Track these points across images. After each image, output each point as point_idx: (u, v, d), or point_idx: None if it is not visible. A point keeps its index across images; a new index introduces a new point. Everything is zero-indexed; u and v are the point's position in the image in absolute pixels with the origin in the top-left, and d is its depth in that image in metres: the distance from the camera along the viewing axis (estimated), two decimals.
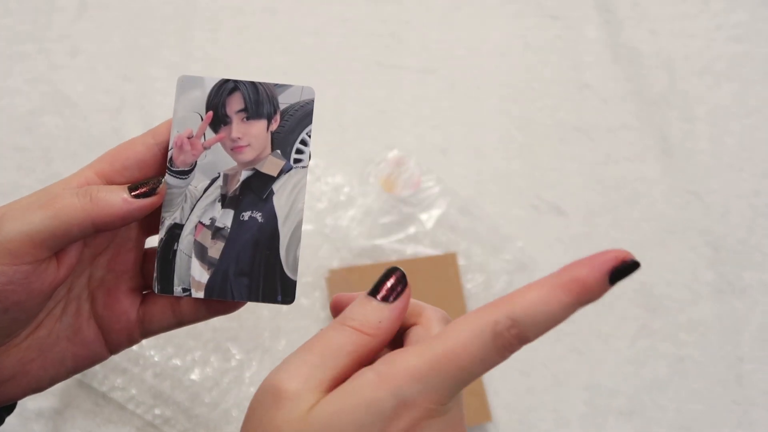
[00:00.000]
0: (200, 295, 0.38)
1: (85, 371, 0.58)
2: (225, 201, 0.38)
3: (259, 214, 0.38)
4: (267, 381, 0.30)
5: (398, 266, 0.33)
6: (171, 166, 0.37)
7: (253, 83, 0.38)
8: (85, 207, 0.34)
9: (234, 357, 0.60)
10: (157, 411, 0.58)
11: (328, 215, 0.66)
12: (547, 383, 0.64)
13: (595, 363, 0.65)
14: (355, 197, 0.67)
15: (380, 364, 0.29)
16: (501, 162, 0.72)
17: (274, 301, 0.38)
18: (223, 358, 0.60)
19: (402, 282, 0.33)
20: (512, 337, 0.28)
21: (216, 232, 0.38)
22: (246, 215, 0.38)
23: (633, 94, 0.75)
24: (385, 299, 0.32)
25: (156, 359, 0.59)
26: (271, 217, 0.38)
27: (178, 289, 0.38)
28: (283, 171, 0.38)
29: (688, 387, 0.65)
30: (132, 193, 0.35)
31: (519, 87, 0.75)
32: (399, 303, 0.32)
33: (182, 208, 0.38)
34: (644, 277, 0.68)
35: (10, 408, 0.39)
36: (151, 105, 0.71)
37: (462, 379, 0.29)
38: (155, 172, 0.37)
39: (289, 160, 0.38)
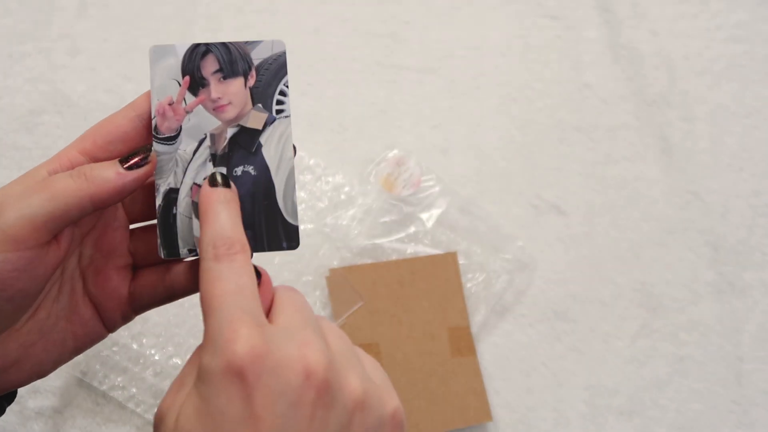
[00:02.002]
0: None
1: (86, 370, 0.58)
2: (216, 160, 0.38)
3: (251, 167, 0.38)
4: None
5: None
6: (157, 133, 0.37)
7: (224, 44, 0.39)
8: (81, 186, 0.34)
9: None
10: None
11: (329, 214, 0.66)
12: (547, 383, 0.64)
13: (596, 363, 0.65)
14: (356, 197, 0.67)
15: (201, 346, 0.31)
16: (501, 162, 0.72)
17: (279, 248, 0.38)
18: None
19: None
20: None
21: None
22: (239, 170, 0.38)
23: (633, 94, 0.75)
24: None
25: (156, 358, 0.59)
26: (264, 169, 0.39)
27: (184, 251, 0.38)
28: (268, 123, 0.39)
29: (688, 387, 0.65)
30: (124, 166, 0.35)
31: (519, 87, 0.75)
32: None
33: (175, 172, 0.38)
34: (644, 277, 0.68)
35: (10, 397, 0.39)
36: None
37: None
38: (139, 143, 0.38)
39: (271, 112, 0.39)
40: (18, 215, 0.32)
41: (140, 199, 0.40)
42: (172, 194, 0.38)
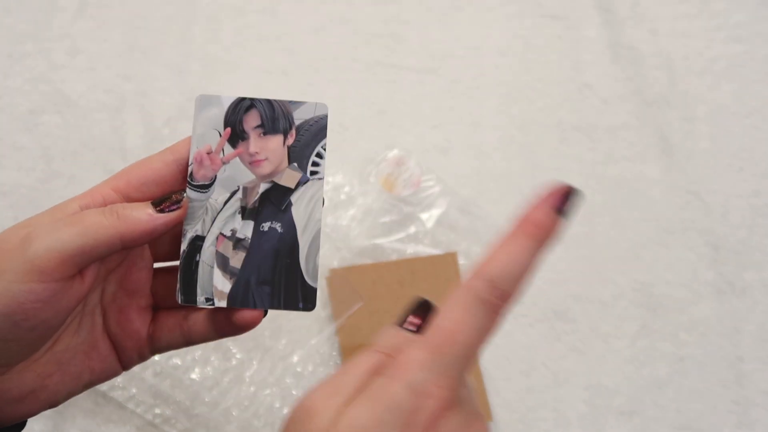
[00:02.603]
0: (223, 304, 0.38)
1: None
2: (245, 213, 0.39)
3: (279, 224, 0.39)
4: (299, 401, 0.31)
5: (426, 299, 0.35)
6: (192, 180, 0.38)
7: (268, 101, 0.40)
8: (113, 224, 0.34)
9: (234, 356, 0.60)
10: (157, 410, 0.58)
11: (329, 215, 0.66)
12: (547, 383, 0.64)
13: (596, 363, 0.65)
14: (356, 197, 0.67)
15: (387, 369, 0.31)
16: (501, 162, 0.72)
17: (295, 308, 0.39)
18: (224, 358, 0.60)
19: (426, 312, 0.34)
20: (496, 299, 0.31)
21: (237, 242, 0.39)
22: (266, 226, 0.39)
23: (633, 94, 0.75)
24: (408, 329, 0.34)
25: (156, 358, 0.59)
26: (291, 227, 0.39)
27: (201, 299, 0.38)
28: (300, 183, 0.40)
29: (688, 387, 0.65)
30: (156, 208, 0.36)
31: (519, 87, 0.75)
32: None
33: (203, 220, 0.39)
34: (644, 277, 0.68)
35: (20, 426, 0.39)
36: (151, 105, 0.71)
37: (464, 354, 0.30)
38: (172, 187, 0.38)
39: (305, 172, 0.40)
40: (47, 247, 0.33)
41: (167, 240, 0.40)
42: (197, 241, 0.39)
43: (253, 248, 0.39)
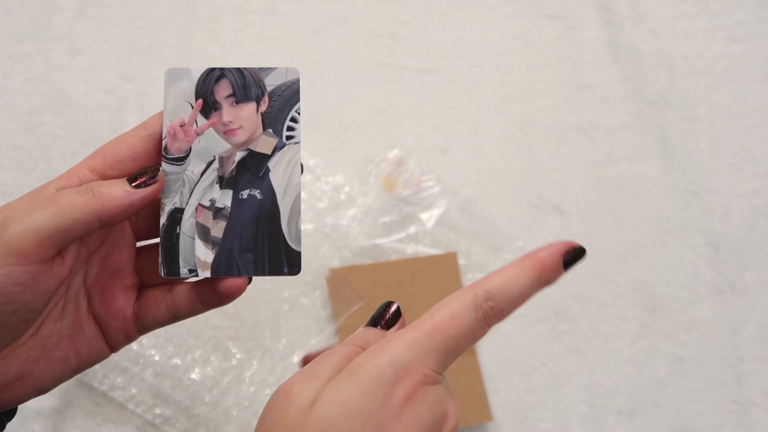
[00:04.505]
0: (207, 274, 0.38)
1: (86, 371, 0.58)
2: (223, 182, 0.39)
3: (258, 191, 0.39)
4: (278, 388, 0.32)
5: (393, 301, 0.38)
6: (166, 154, 0.38)
7: (238, 69, 0.39)
8: (88, 202, 0.34)
9: (234, 356, 0.60)
10: (157, 410, 0.58)
11: (329, 215, 0.66)
12: (547, 383, 0.64)
13: (596, 363, 0.65)
14: (356, 197, 0.67)
15: (373, 346, 0.32)
16: (501, 162, 0.72)
17: (280, 273, 0.39)
18: (224, 358, 0.60)
19: (396, 314, 0.37)
20: (489, 309, 0.33)
21: (217, 212, 0.39)
22: (245, 194, 0.39)
23: (633, 94, 0.75)
24: (384, 327, 0.36)
25: (156, 358, 0.59)
26: (270, 193, 0.39)
27: (184, 271, 0.38)
28: (277, 148, 0.39)
29: (688, 387, 0.65)
30: (132, 184, 0.35)
31: (519, 87, 0.75)
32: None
33: (181, 192, 0.38)
34: (644, 277, 0.68)
35: (10, 413, 0.39)
36: (151, 105, 0.71)
37: (452, 347, 0.32)
38: (148, 163, 0.38)
39: (281, 137, 0.39)
40: (23, 229, 0.33)
41: (146, 216, 0.40)
42: (176, 214, 0.38)
43: (233, 217, 0.39)
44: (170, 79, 0.39)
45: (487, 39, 0.77)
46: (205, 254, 0.38)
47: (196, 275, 0.38)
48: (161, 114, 0.38)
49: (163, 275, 0.38)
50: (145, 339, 0.59)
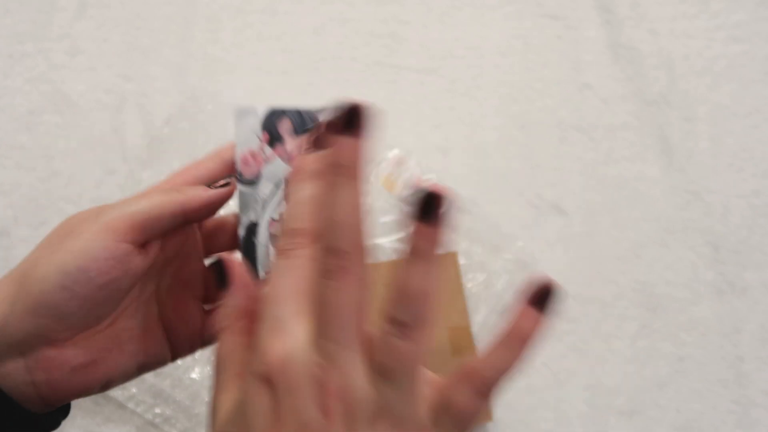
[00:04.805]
0: None
1: None
2: None
3: None
4: None
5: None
6: (240, 177, 0.44)
7: (297, 111, 0.46)
8: (176, 197, 0.38)
9: None
10: (157, 410, 0.58)
11: None
12: (547, 382, 0.64)
13: (596, 362, 0.65)
14: None
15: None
16: (501, 162, 0.72)
17: None
18: None
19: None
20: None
21: None
22: None
23: (633, 94, 0.75)
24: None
25: None
26: None
27: (262, 273, 0.43)
28: None
29: (688, 387, 0.65)
30: (210, 187, 0.41)
31: (519, 87, 0.75)
32: None
33: (255, 209, 0.44)
34: (644, 277, 0.68)
35: (65, 411, 0.41)
36: (151, 104, 0.71)
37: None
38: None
39: None
40: (120, 213, 0.37)
41: (221, 235, 0.45)
42: (252, 227, 0.44)
43: None
44: (239, 116, 0.45)
45: (487, 39, 0.77)
46: None
47: None
48: (232, 144, 0.44)
49: None
50: None
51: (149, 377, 0.58)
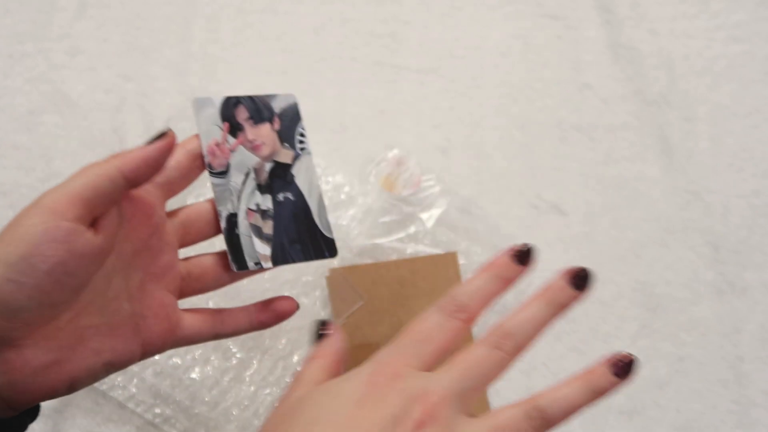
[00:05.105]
0: (269, 264, 0.45)
1: None
2: (261, 189, 0.46)
3: (290, 194, 0.47)
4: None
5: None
6: (211, 169, 0.45)
7: (250, 97, 0.47)
8: (110, 161, 0.37)
9: (234, 356, 0.60)
10: (157, 410, 0.58)
11: (329, 214, 0.66)
12: (547, 383, 0.64)
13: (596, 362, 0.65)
14: (356, 196, 0.67)
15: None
16: (501, 162, 0.72)
17: (323, 257, 0.47)
18: (224, 357, 0.60)
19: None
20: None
21: (263, 213, 0.46)
22: (281, 196, 0.46)
23: (633, 94, 0.75)
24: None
25: (156, 357, 0.59)
26: (299, 194, 0.47)
27: (251, 264, 0.45)
28: (295, 158, 0.48)
29: (689, 387, 0.65)
30: (147, 143, 0.39)
31: (519, 87, 0.75)
32: None
33: (231, 200, 0.45)
34: (644, 277, 0.68)
35: (33, 413, 0.40)
36: (151, 104, 0.71)
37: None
38: (189, 171, 0.43)
39: (296, 149, 0.48)
40: (56, 192, 0.35)
41: (198, 223, 0.44)
42: (232, 218, 0.45)
43: (277, 216, 0.46)
44: (198, 107, 0.45)
45: (487, 39, 0.77)
46: (263, 249, 0.45)
47: (261, 267, 0.45)
48: (197, 136, 0.44)
49: (235, 270, 0.44)
50: None
51: (149, 377, 0.58)
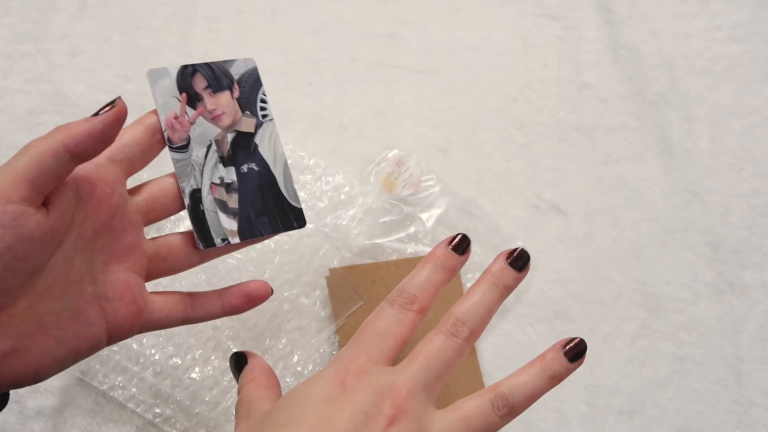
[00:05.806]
0: (237, 240, 0.44)
1: (86, 370, 0.58)
2: (224, 161, 0.44)
3: (254, 164, 0.45)
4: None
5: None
6: (170, 144, 0.43)
7: (207, 64, 0.45)
8: (53, 135, 0.35)
9: None
10: (157, 410, 0.58)
11: (329, 214, 0.66)
12: None
13: (595, 362, 0.65)
14: (356, 196, 0.67)
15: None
16: (501, 162, 0.72)
17: (291, 227, 0.45)
18: (224, 357, 0.60)
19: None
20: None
21: (227, 187, 0.44)
22: (244, 168, 0.45)
23: (633, 94, 0.75)
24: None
25: (156, 358, 0.59)
26: (264, 164, 0.45)
27: (218, 240, 0.43)
28: (257, 126, 0.46)
29: (688, 387, 0.65)
30: (93, 115, 0.37)
31: (519, 87, 0.75)
32: None
33: (194, 175, 0.43)
34: (644, 277, 0.68)
35: (2, 402, 0.39)
36: (151, 104, 0.70)
37: None
38: (149, 148, 0.42)
39: (258, 117, 0.46)
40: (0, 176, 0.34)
41: (163, 199, 0.43)
42: (196, 194, 0.43)
43: (241, 189, 0.44)
44: (153, 79, 0.43)
45: (487, 39, 0.77)
46: (230, 224, 0.44)
47: (228, 242, 0.43)
48: (155, 111, 0.43)
49: (201, 248, 0.43)
50: (145, 338, 0.59)
51: (149, 377, 0.58)
